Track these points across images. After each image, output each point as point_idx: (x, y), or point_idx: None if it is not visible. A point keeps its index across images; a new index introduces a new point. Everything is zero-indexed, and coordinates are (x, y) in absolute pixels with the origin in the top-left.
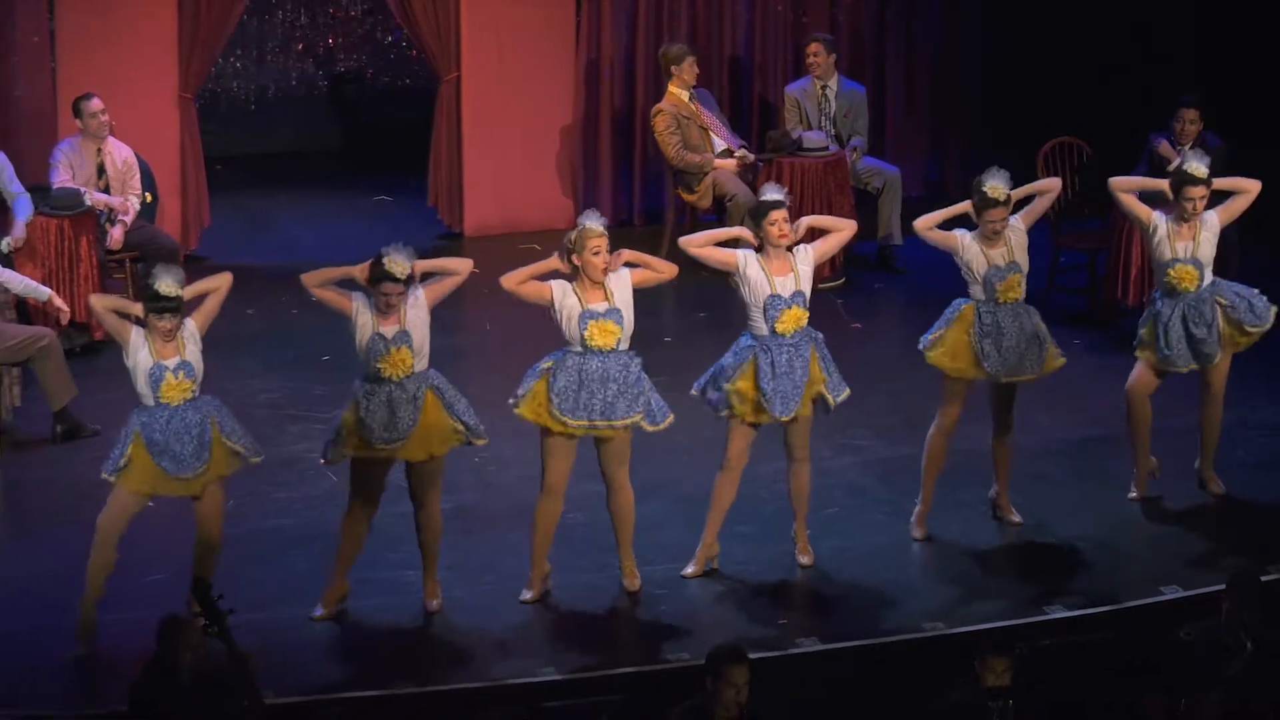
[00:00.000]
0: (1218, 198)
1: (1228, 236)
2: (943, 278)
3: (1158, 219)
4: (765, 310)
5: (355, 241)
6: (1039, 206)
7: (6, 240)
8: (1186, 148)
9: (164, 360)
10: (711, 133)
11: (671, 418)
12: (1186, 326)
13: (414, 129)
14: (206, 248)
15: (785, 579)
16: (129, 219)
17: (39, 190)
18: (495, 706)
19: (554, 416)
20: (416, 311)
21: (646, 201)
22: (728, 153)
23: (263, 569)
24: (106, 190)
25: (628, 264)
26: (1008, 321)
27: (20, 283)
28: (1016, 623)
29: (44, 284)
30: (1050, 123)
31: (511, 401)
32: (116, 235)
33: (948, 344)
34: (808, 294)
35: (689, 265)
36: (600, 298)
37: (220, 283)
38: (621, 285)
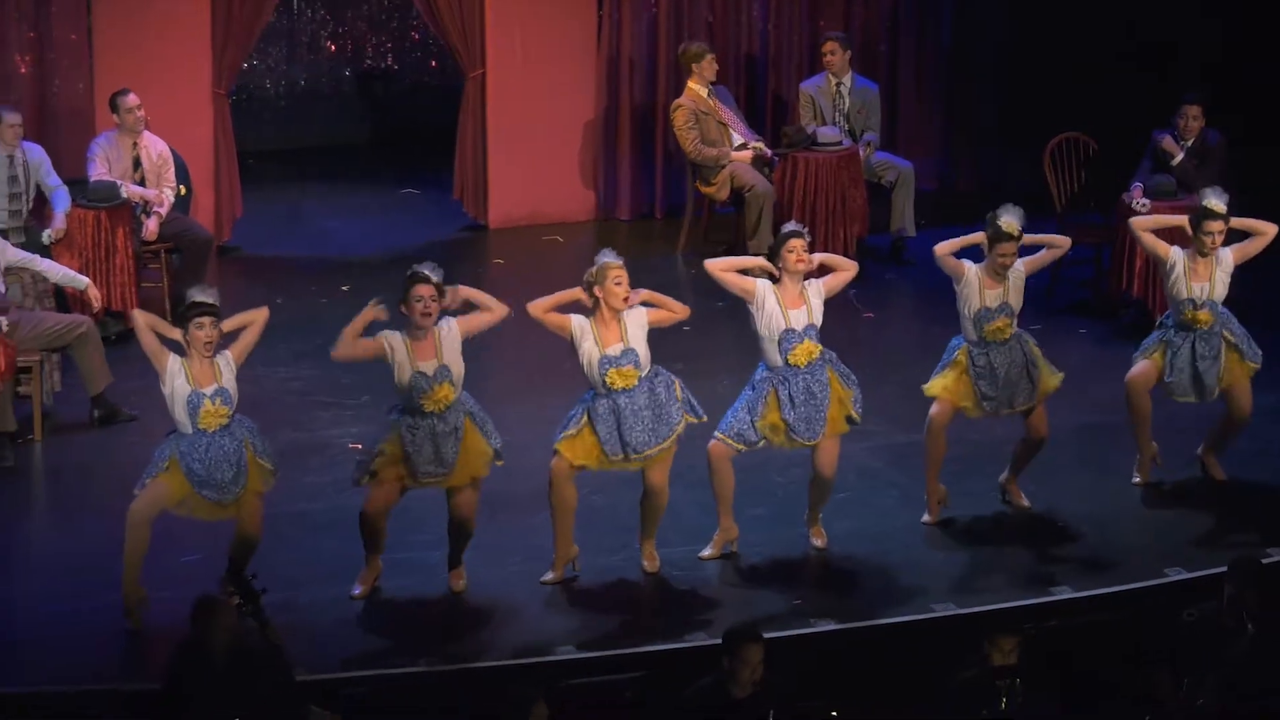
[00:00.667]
0: (1232, 235)
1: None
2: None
3: (1175, 256)
4: (780, 344)
5: (382, 233)
6: (1044, 258)
7: (47, 232)
8: (1189, 143)
9: (202, 388)
10: (729, 128)
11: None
12: (1194, 357)
13: (440, 124)
14: (239, 239)
15: (799, 560)
16: (164, 211)
17: (77, 183)
18: (517, 684)
19: (611, 460)
20: (451, 341)
21: (668, 195)
22: (744, 147)
23: (293, 550)
24: (142, 183)
25: (644, 303)
26: (999, 359)
27: (59, 272)
28: (1024, 603)
29: (81, 273)
30: (1059, 118)
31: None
32: (152, 227)
33: (952, 388)
34: (819, 326)
35: (705, 253)
36: (616, 337)
37: (258, 316)
38: (636, 323)
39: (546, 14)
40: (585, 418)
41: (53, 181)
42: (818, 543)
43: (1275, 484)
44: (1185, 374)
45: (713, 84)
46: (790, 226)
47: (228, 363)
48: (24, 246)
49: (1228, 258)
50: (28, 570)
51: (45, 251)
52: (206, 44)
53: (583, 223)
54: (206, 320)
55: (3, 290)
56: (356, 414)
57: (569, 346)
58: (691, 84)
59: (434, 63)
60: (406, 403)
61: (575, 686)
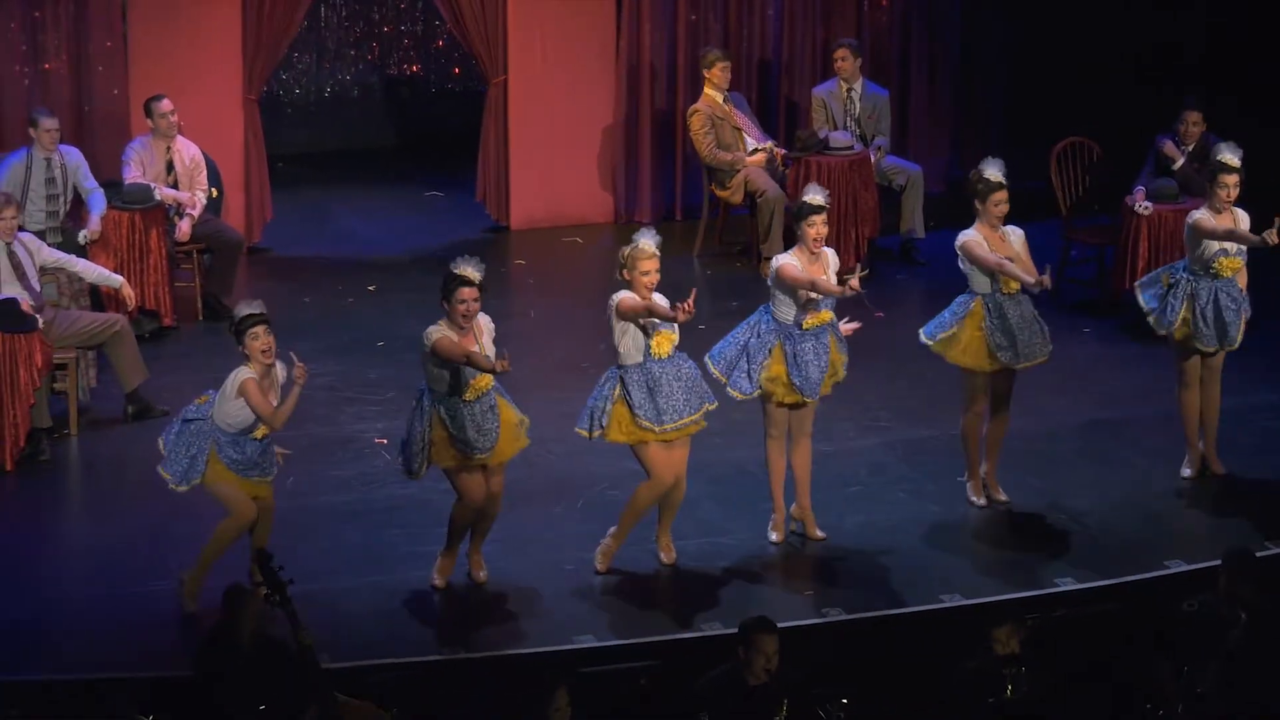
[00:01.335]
0: None
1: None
2: (961, 270)
3: (1197, 215)
4: (804, 307)
5: (408, 234)
6: (1020, 270)
7: (83, 233)
8: (1190, 148)
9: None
10: (744, 133)
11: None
12: (1219, 308)
13: (463, 129)
14: (269, 240)
15: (811, 553)
16: (196, 213)
17: (112, 186)
18: (536, 671)
19: (646, 428)
20: (489, 331)
21: (687, 197)
22: (757, 152)
23: (320, 542)
24: (175, 186)
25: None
26: (1012, 310)
27: (94, 271)
28: (1029, 594)
29: (116, 273)
30: (1065, 122)
31: (597, 434)
32: (184, 228)
33: (962, 342)
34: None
35: (721, 256)
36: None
37: (300, 379)
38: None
39: (567, 22)
40: (619, 387)
41: (89, 184)
42: (817, 535)
43: (1272, 479)
44: (1213, 325)
45: (730, 90)
46: (815, 196)
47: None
48: (61, 247)
49: (1244, 216)
50: (62, 560)
51: (81, 252)
52: (238, 51)
53: (602, 224)
54: (260, 329)
55: (40, 289)
56: (382, 409)
57: (610, 323)
58: (708, 90)
59: (457, 69)
60: (450, 391)
61: (593, 674)
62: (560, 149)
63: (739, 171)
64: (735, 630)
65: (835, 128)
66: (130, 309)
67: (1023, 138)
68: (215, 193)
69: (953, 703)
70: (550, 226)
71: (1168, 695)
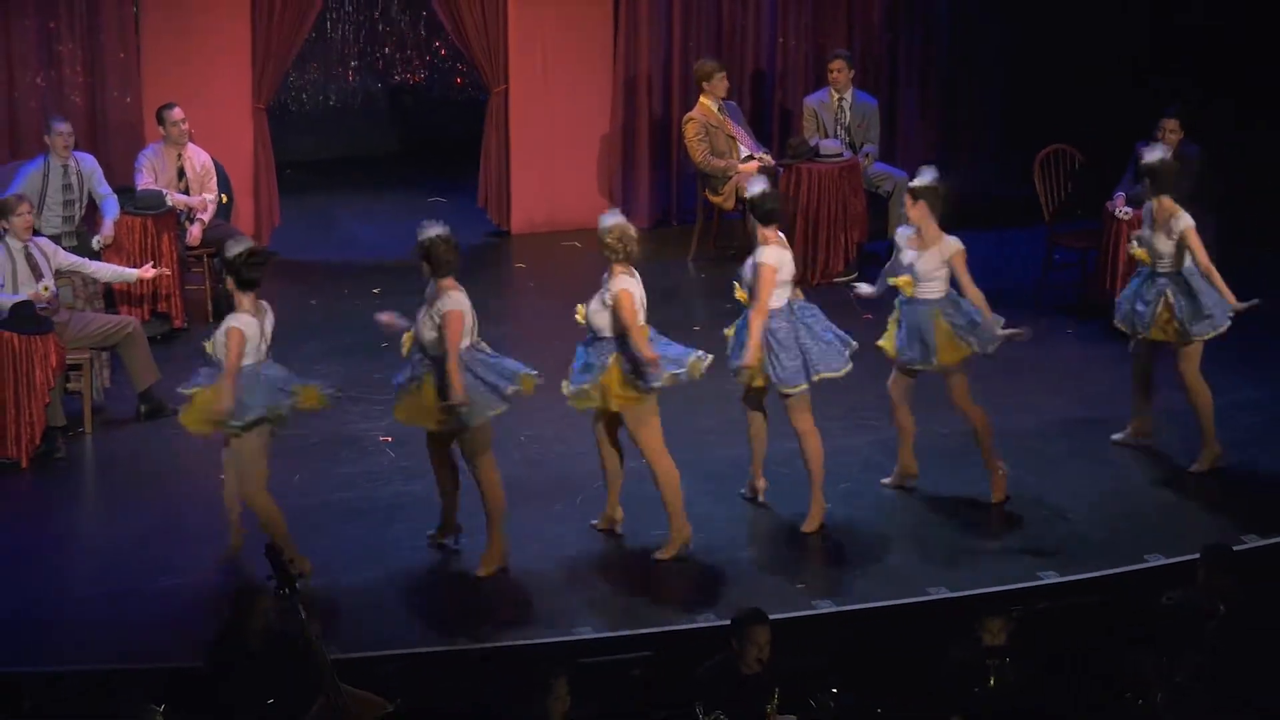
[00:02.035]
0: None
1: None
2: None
3: (1189, 222)
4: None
5: (411, 238)
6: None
7: (97, 238)
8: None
9: None
10: (737, 141)
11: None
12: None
13: (465, 136)
14: (276, 244)
15: (802, 546)
16: (207, 218)
17: (125, 191)
18: (536, 662)
19: (639, 389)
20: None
21: (682, 203)
22: (750, 159)
23: (327, 537)
24: (186, 192)
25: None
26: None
27: (109, 271)
28: (1013, 587)
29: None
30: (1050, 129)
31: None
32: (195, 233)
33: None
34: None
35: (714, 258)
36: None
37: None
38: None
39: (566, 33)
40: (611, 359)
41: (103, 190)
42: (760, 484)
43: (1250, 474)
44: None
45: (724, 100)
46: (756, 187)
47: None
48: (76, 251)
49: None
50: (77, 555)
51: (95, 256)
52: (247, 61)
53: None
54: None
55: (55, 292)
56: (386, 409)
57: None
58: (703, 99)
59: (460, 79)
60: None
61: (590, 665)
62: (559, 156)
63: (731, 178)
64: (729, 622)
65: (825, 135)
66: (156, 278)
67: (1020, 141)
68: (225, 198)
69: (939, 692)
70: (550, 231)
71: (1148, 685)
